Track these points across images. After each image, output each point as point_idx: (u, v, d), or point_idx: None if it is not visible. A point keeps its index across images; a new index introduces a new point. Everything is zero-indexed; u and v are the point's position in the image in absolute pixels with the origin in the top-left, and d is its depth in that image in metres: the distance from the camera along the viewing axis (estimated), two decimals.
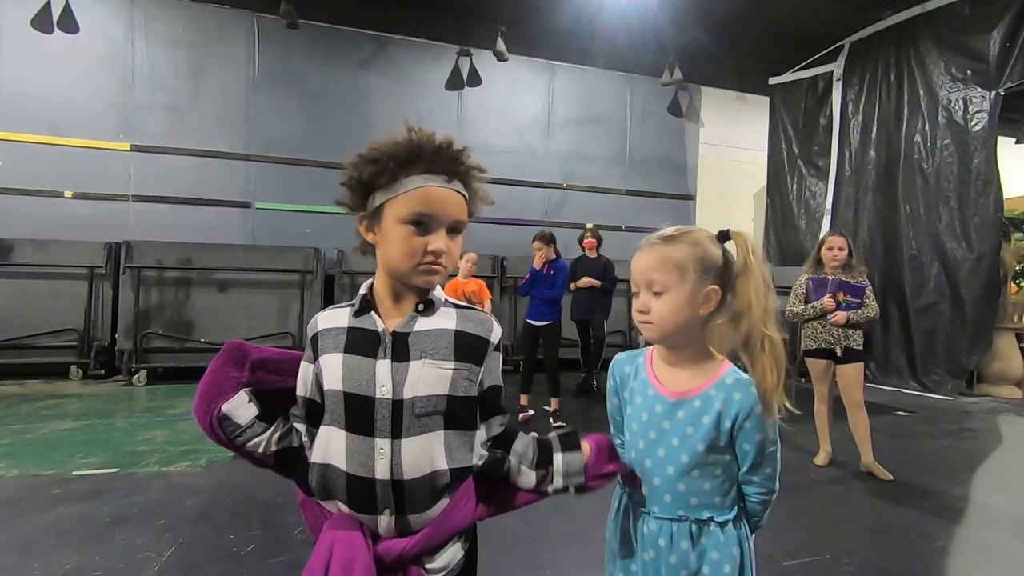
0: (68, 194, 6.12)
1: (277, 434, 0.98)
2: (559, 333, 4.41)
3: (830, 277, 3.41)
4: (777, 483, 1.06)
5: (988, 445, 4.31)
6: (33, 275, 5.45)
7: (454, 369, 0.92)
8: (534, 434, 1.05)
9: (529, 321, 4.42)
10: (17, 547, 2.23)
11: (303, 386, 0.97)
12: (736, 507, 1.05)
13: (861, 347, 3.40)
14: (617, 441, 1.22)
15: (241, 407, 0.97)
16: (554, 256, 4.39)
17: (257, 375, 0.99)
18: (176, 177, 6.45)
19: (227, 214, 6.65)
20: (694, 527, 1.02)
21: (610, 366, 1.19)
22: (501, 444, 1.01)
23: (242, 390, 0.97)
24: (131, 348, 5.44)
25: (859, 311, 3.33)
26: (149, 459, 3.27)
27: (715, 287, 1.02)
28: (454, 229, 0.93)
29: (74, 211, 6.11)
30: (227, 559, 2.18)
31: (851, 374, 3.38)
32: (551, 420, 4.31)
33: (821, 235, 4.78)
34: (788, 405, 1.02)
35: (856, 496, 3.07)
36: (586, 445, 1.05)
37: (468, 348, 0.94)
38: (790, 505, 2.89)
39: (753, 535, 1.09)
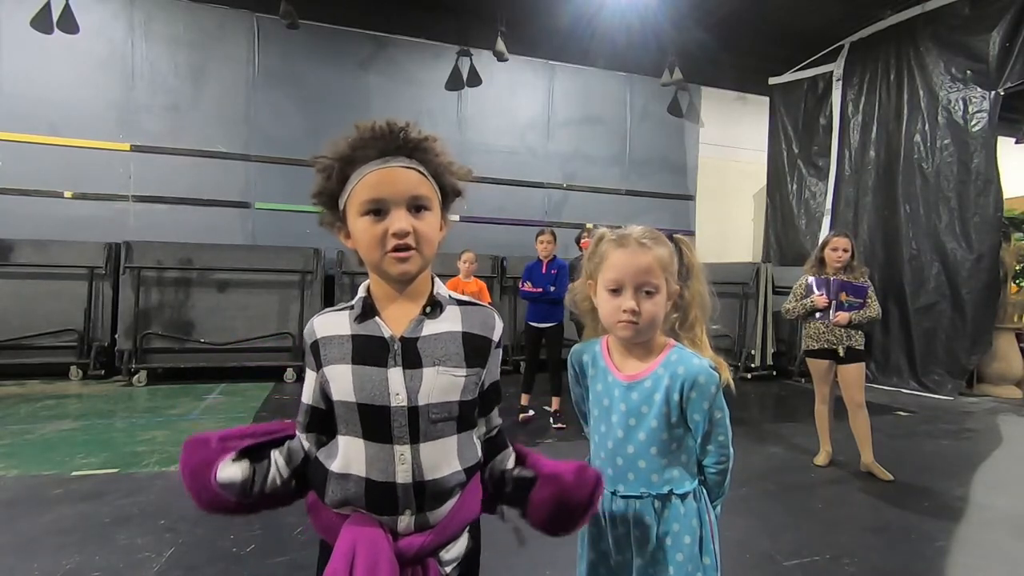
0: (68, 194, 6.12)
1: (282, 459, 0.95)
2: (563, 333, 4.41)
3: (831, 277, 3.42)
4: (731, 449, 1.14)
5: (988, 445, 4.31)
6: (33, 275, 5.45)
7: (466, 376, 0.92)
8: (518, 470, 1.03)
9: (533, 324, 4.40)
10: (17, 547, 2.23)
11: (308, 394, 0.96)
12: (695, 479, 1.13)
13: (863, 347, 3.41)
14: (586, 431, 1.30)
15: (229, 467, 0.91)
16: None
17: (227, 444, 0.94)
18: (176, 177, 6.45)
19: (227, 214, 6.65)
20: (656, 502, 1.10)
21: (568, 357, 1.26)
22: (493, 447, 1.03)
23: (222, 458, 0.92)
24: (131, 348, 5.44)
25: (861, 311, 3.34)
26: (149, 459, 3.28)
27: (677, 286, 1.14)
28: (418, 207, 0.89)
29: (74, 211, 6.11)
30: (227, 559, 2.18)
31: (853, 374, 3.38)
32: (551, 420, 4.31)
33: (822, 235, 4.76)
34: (731, 381, 1.14)
35: (856, 496, 3.07)
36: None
37: (476, 352, 0.94)
38: (790, 505, 2.90)
39: (718, 507, 1.17)
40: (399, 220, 0.87)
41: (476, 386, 0.95)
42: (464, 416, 0.93)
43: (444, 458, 0.90)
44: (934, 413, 5.19)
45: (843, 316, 3.33)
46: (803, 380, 6.66)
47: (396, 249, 0.87)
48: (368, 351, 0.90)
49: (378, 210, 0.88)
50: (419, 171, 0.90)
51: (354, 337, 0.91)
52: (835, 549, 2.41)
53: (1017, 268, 6.77)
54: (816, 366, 3.52)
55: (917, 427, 4.69)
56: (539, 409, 4.53)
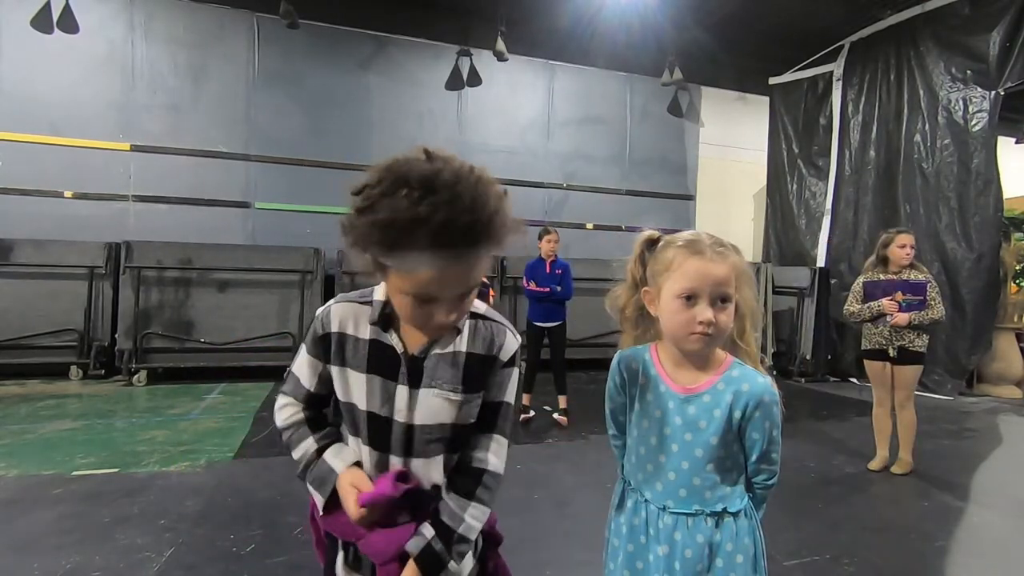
0: (68, 194, 6.12)
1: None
2: (566, 333, 4.42)
3: (890, 279, 3.31)
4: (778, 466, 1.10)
5: (988, 445, 4.31)
6: (33, 275, 5.45)
7: (461, 401, 0.90)
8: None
9: (536, 323, 4.39)
10: (17, 547, 2.23)
11: (309, 376, 0.96)
12: (745, 497, 1.08)
13: (922, 350, 3.30)
14: (617, 443, 1.22)
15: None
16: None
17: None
18: (176, 177, 6.44)
19: (227, 214, 6.64)
20: (709, 520, 1.04)
21: (613, 364, 1.17)
22: (461, 474, 0.93)
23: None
24: (131, 348, 5.43)
25: (923, 312, 3.20)
26: (149, 459, 3.27)
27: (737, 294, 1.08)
28: (468, 293, 0.83)
29: (74, 211, 6.11)
30: (227, 559, 2.18)
31: (903, 376, 3.32)
32: (555, 415, 4.33)
33: (822, 235, 4.65)
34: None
35: (856, 496, 3.07)
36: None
37: (477, 374, 0.92)
38: (790, 505, 2.89)
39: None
40: (447, 313, 0.81)
41: (478, 410, 0.93)
42: (456, 439, 0.93)
43: (436, 473, 0.93)
44: (934, 413, 5.18)
45: (902, 317, 3.20)
46: (802, 380, 6.66)
47: (436, 327, 0.84)
48: (382, 362, 0.90)
49: (427, 298, 0.79)
50: (482, 257, 0.79)
51: (371, 343, 0.91)
52: (835, 549, 2.41)
53: (1017, 268, 6.77)
54: (869, 367, 3.45)
55: (917, 427, 4.68)
56: (539, 409, 4.53)
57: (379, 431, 0.90)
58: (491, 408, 0.94)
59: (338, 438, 0.97)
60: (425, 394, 0.89)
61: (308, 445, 0.95)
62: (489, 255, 0.80)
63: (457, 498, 0.91)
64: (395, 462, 0.91)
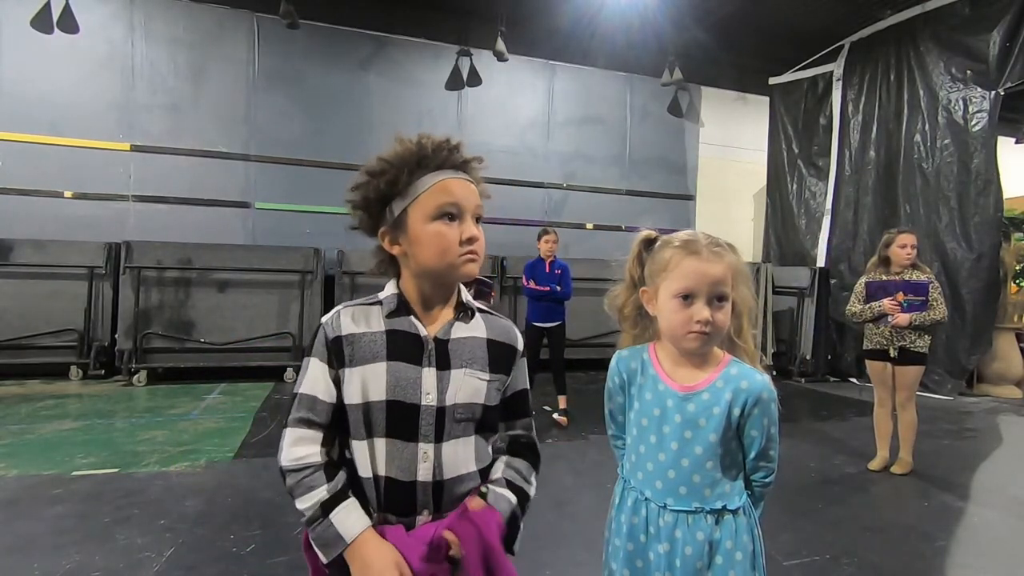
0: (68, 194, 6.12)
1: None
2: (565, 333, 4.42)
3: (891, 279, 3.32)
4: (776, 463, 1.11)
5: (988, 445, 4.31)
6: (33, 275, 5.45)
7: (488, 380, 0.96)
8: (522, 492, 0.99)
9: (536, 323, 4.38)
10: (17, 547, 2.23)
11: (325, 388, 0.91)
12: (743, 494, 1.09)
13: (923, 350, 3.31)
14: (617, 442, 1.23)
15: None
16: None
17: None
18: (176, 177, 6.44)
19: (227, 214, 6.64)
20: (709, 518, 1.05)
21: (613, 363, 1.19)
22: (517, 448, 1.04)
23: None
24: (131, 348, 5.43)
25: (924, 313, 3.21)
26: (149, 459, 3.28)
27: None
28: (478, 217, 0.96)
29: (74, 211, 6.11)
30: (227, 559, 2.18)
31: (904, 376, 3.33)
32: (555, 416, 4.33)
33: (822, 235, 4.65)
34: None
35: (856, 496, 3.08)
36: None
37: (499, 358, 0.98)
38: (790, 505, 2.90)
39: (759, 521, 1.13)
40: (472, 227, 0.94)
41: (499, 392, 0.98)
42: (484, 420, 0.96)
43: (463, 458, 0.93)
44: (934, 413, 5.18)
45: (903, 318, 3.21)
46: (802, 380, 6.66)
47: (467, 253, 0.93)
48: (403, 348, 0.92)
49: (452, 215, 0.92)
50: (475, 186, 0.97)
51: (388, 333, 0.93)
52: (835, 549, 2.41)
53: (1017, 268, 6.77)
54: (871, 367, 3.46)
55: (917, 427, 4.68)
56: (539, 409, 4.53)
57: (404, 419, 0.90)
58: (521, 395, 1.04)
59: (349, 492, 0.90)
60: (458, 375, 0.93)
61: (320, 495, 0.86)
62: (475, 172, 0.98)
63: (526, 464, 1.02)
64: (424, 450, 0.90)
